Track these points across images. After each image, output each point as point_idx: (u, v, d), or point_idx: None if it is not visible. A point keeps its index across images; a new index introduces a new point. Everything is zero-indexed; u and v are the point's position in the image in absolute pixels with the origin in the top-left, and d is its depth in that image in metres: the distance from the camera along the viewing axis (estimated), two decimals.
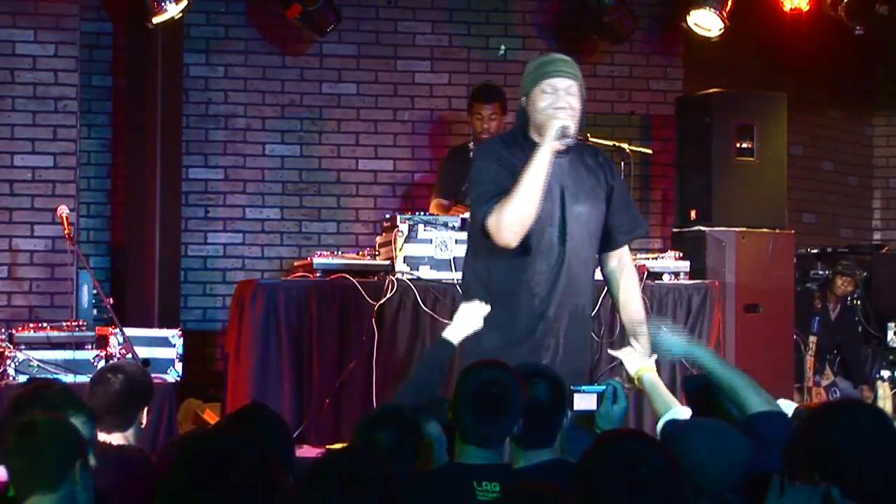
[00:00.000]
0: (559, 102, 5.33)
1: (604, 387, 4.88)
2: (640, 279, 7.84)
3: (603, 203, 5.53)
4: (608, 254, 5.65)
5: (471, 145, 8.61)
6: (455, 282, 7.31)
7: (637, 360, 5.35)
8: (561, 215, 5.41)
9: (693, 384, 4.58)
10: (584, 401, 4.85)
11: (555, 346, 5.38)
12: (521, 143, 5.42)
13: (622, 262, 5.68)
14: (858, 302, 9.96)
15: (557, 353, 5.39)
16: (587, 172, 5.51)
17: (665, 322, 4.97)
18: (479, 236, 5.39)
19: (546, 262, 5.39)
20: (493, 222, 5.22)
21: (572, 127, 5.33)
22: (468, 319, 5.19)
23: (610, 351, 5.66)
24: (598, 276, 5.70)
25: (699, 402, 4.47)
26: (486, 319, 5.23)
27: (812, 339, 9.34)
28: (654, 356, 5.28)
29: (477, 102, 8.55)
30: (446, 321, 7.14)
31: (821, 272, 9.85)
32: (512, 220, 5.19)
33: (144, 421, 5.07)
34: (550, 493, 3.16)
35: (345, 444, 4.26)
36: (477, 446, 4.26)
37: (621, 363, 5.42)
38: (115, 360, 7.19)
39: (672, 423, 4.44)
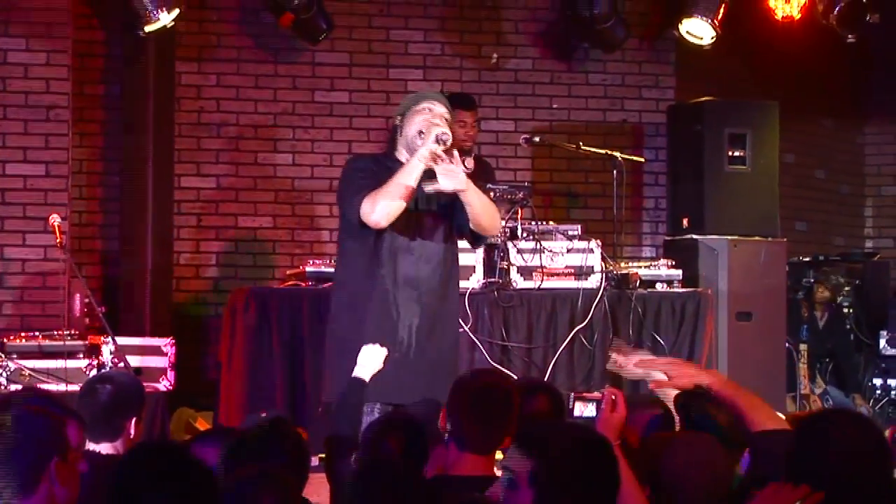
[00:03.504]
0: (435, 119, 5.85)
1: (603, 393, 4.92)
2: (633, 287, 7.87)
3: (448, 211, 5.96)
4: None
5: None
6: None
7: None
8: (408, 218, 5.87)
9: (684, 399, 4.61)
10: (586, 408, 4.90)
11: (407, 339, 5.81)
12: (389, 164, 5.91)
13: None
14: (852, 310, 9.96)
15: (410, 346, 5.84)
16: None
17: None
18: (347, 240, 5.98)
19: (392, 262, 5.84)
20: (368, 204, 5.73)
21: (450, 135, 5.76)
22: (371, 360, 5.35)
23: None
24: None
25: (689, 415, 4.52)
26: (350, 318, 5.84)
27: (802, 346, 9.34)
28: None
29: (459, 110, 8.50)
30: None
31: (812, 280, 9.86)
32: (385, 200, 5.71)
33: (133, 431, 5.04)
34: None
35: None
36: (477, 453, 4.26)
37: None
38: (107, 369, 7.18)
39: (654, 437, 4.46)
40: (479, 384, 4.46)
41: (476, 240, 6.11)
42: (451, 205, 5.93)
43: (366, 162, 6.07)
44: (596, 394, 4.90)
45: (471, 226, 5.92)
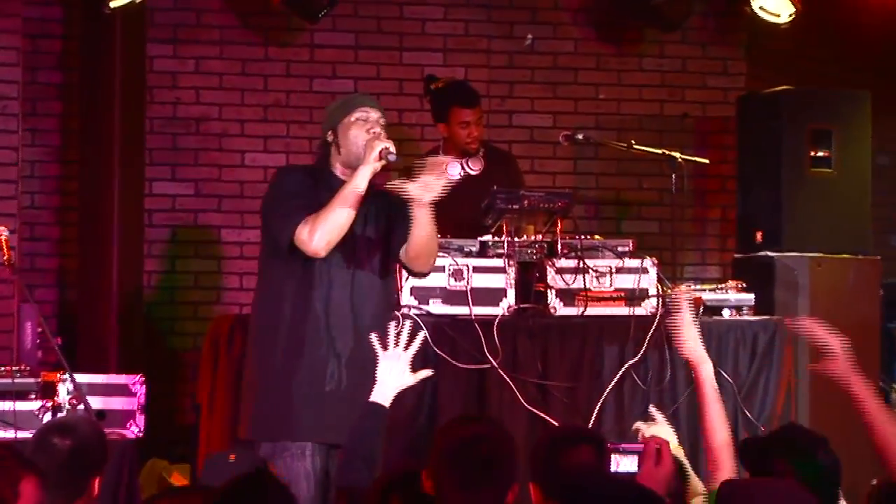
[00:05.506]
0: (375, 128, 6.17)
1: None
2: (696, 313, 7.84)
3: (385, 234, 6.36)
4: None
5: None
6: (473, 318, 7.31)
7: (663, 433, 5.50)
8: (344, 241, 6.18)
9: (750, 445, 4.64)
10: (624, 462, 4.93)
11: (338, 372, 6.14)
12: (327, 180, 6.21)
13: None
14: None
15: (342, 380, 6.17)
16: (373, 210, 6.33)
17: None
18: (272, 259, 6.25)
19: (325, 287, 6.18)
20: (305, 232, 6.04)
21: (393, 148, 6.07)
22: (392, 374, 5.45)
23: (636, 425, 5.78)
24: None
25: (756, 463, 4.59)
26: (275, 346, 6.16)
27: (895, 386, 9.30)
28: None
29: (458, 108, 8.48)
30: (462, 365, 7.17)
31: None
32: (326, 228, 6.04)
33: (96, 491, 5.01)
34: None
35: None
36: None
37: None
38: (64, 412, 7.16)
39: (730, 483, 4.49)
40: (458, 437, 4.36)
41: (408, 270, 6.46)
42: (390, 227, 6.27)
43: (300, 176, 6.29)
44: (636, 445, 4.90)
45: (402, 254, 6.25)
